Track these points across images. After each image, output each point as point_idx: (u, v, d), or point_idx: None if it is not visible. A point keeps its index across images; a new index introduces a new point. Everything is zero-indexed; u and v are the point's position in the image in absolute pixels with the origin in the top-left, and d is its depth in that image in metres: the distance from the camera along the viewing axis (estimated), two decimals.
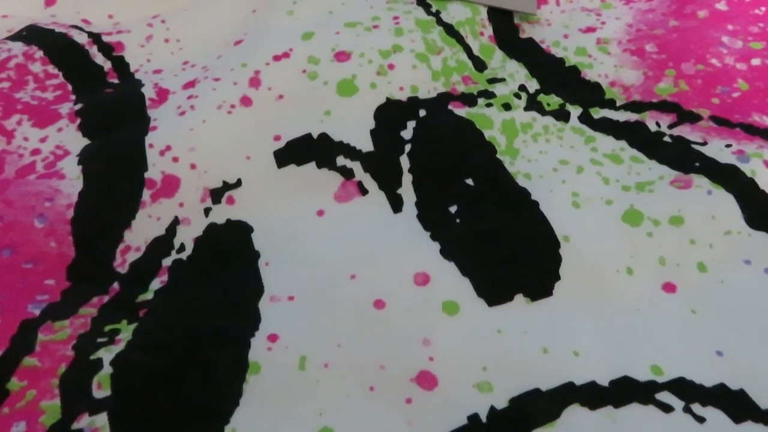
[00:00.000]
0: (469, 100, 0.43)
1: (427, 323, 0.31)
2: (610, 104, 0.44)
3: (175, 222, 0.37)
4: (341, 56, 0.43)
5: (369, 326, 0.32)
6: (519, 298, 0.33)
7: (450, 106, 0.43)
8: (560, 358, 0.30)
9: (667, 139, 0.41)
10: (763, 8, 0.47)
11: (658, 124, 0.42)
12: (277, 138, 0.40)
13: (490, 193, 0.38)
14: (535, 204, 0.37)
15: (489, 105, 0.43)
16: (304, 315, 0.32)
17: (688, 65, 0.44)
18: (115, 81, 0.45)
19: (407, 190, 0.38)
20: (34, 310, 0.32)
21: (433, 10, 0.48)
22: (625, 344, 0.31)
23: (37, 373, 0.30)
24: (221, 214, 0.38)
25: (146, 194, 0.37)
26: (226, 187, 0.38)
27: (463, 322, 0.32)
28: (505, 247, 0.35)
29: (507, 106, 0.43)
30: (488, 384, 0.29)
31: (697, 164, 0.38)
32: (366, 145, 0.40)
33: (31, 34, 0.46)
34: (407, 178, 0.39)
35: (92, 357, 0.30)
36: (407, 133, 0.41)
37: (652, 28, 0.48)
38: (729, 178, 0.37)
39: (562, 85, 0.45)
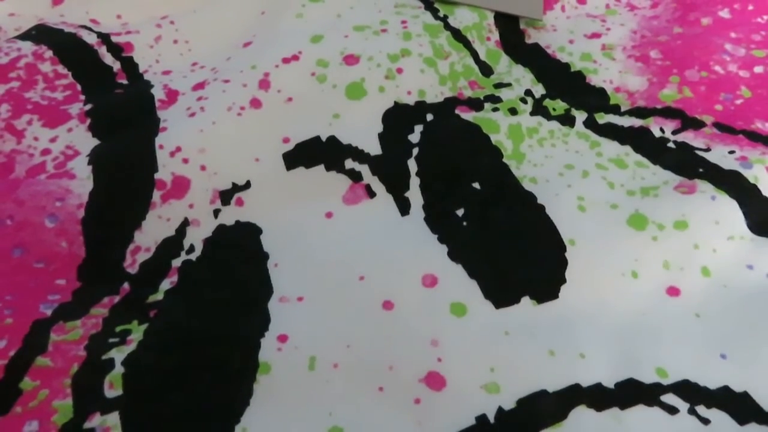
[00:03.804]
0: (475, 104, 0.44)
1: (435, 324, 0.32)
2: (615, 109, 0.44)
3: (185, 223, 0.37)
4: (350, 59, 0.43)
5: (378, 327, 0.32)
6: (526, 301, 0.33)
7: (457, 111, 0.43)
8: (566, 360, 0.31)
9: (671, 144, 0.41)
10: (766, 17, 0.48)
11: (662, 130, 0.42)
12: (286, 140, 0.40)
13: (496, 197, 0.38)
14: (541, 208, 0.37)
15: (495, 109, 0.43)
16: (314, 316, 0.33)
17: (691, 72, 0.45)
18: (125, 82, 0.45)
19: (415, 194, 0.39)
20: (45, 310, 0.32)
21: (441, 14, 0.48)
22: (631, 347, 0.32)
23: (49, 373, 0.30)
24: (230, 215, 0.38)
25: (156, 195, 0.37)
26: (236, 188, 0.39)
27: (470, 324, 0.32)
28: (511, 250, 0.35)
29: (513, 111, 0.44)
30: (496, 385, 0.30)
31: (700, 170, 0.39)
32: (374, 148, 0.40)
33: (40, 34, 0.46)
34: (415, 182, 0.39)
35: (104, 357, 0.31)
36: (415, 137, 0.41)
37: (657, 34, 0.48)
38: (732, 183, 0.37)
39: (567, 90, 0.46)
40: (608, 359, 0.31)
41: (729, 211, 0.36)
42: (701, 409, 0.29)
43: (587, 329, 0.32)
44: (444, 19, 0.48)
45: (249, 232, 0.37)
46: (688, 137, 0.42)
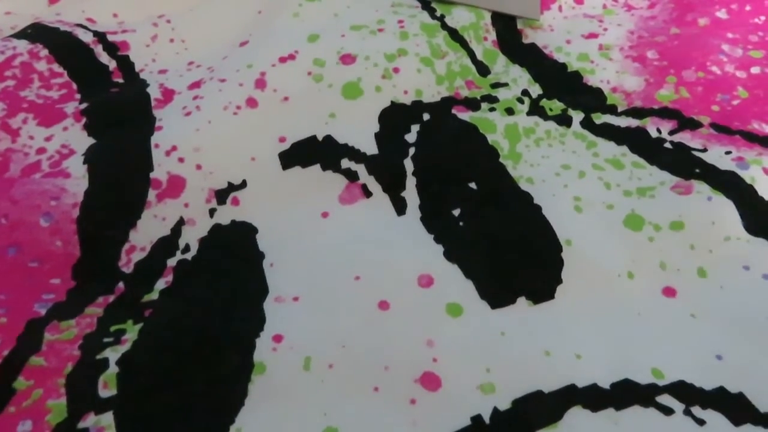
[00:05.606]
0: (472, 104, 0.44)
1: (431, 325, 0.32)
2: (612, 110, 0.44)
3: (180, 222, 0.37)
4: (347, 59, 0.43)
5: (373, 327, 0.32)
6: (522, 301, 0.33)
7: (454, 111, 0.43)
8: (562, 360, 0.31)
9: (667, 145, 0.41)
10: (763, 17, 0.48)
11: (659, 131, 0.42)
12: (282, 140, 0.40)
13: (492, 197, 0.38)
14: (538, 208, 0.37)
15: (492, 109, 0.43)
16: (309, 316, 0.33)
17: (688, 72, 0.45)
18: (120, 80, 0.45)
19: (411, 193, 0.39)
20: (40, 310, 0.32)
21: (438, 14, 0.48)
22: (626, 347, 0.32)
23: (43, 373, 0.30)
24: (226, 215, 0.38)
25: (152, 194, 0.37)
26: (231, 188, 0.39)
27: (466, 324, 0.32)
28: (507, 250, 0.35)
29: (510, 111, 0.43)
30: (491, 385, 0.30)
31: (697, 170, 0.39)
32: (370, 148, 0.40)
33: (36, 33, 0.46)
34: (411, 182, 0.39)
35: (98, 357, 0.30)
36: (411, 137, 0.41)
37: (654, 35, 0.48)
38: (729, 184, 0.37)
39: (564, 90, 0.46)
40: (604, 360, 0.31)
41: (725, 211, 0.36)
42: (696, 410, 0.29)
43: (583, 330, 0.32)
44: (441, 18, 0.48)
45: (245, 232, 0.37)
46: (685, 138, 0.42)
